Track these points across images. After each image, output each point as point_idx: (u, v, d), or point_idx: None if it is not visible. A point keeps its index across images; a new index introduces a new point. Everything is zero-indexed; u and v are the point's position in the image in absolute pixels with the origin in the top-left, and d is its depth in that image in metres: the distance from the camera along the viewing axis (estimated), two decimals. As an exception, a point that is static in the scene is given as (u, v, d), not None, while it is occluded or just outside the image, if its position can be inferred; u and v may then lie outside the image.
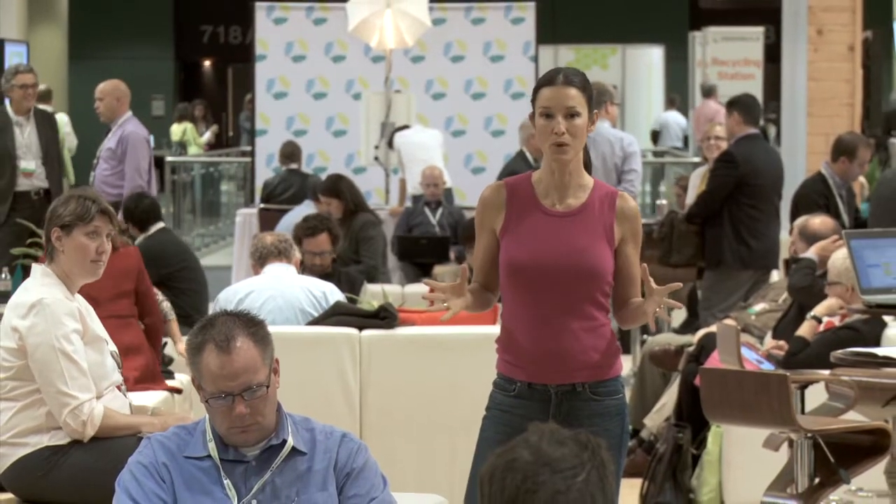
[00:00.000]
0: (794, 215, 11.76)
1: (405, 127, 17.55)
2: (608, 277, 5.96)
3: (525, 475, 3.10)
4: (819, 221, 10.50)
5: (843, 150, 13.07)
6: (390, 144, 17.39)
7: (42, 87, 24.55)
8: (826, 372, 8.02)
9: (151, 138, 14.87)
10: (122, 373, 7.39)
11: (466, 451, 5.91)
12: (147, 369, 8.87)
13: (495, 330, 6.18)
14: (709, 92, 22.78)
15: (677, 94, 29.22)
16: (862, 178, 13.94)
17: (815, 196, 12.63)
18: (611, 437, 5.82)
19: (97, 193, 7.41)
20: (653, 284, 5.87)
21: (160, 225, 12.36)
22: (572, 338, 5.92)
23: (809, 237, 9.91)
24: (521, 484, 3.10)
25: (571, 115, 5.88)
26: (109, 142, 14.49)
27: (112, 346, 7.20)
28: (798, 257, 10.17)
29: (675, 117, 28.55)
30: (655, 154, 25.96)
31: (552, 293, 5.93)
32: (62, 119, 21.56)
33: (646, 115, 28.98)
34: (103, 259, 7.11)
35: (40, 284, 7.04)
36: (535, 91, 6.01)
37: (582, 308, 5.93)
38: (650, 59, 30.39)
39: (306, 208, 13.91)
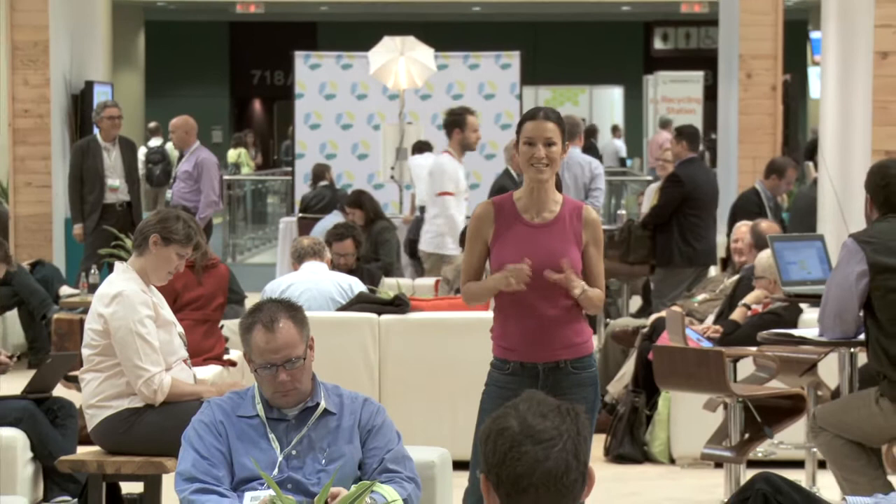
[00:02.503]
0: (732, 222, 11.73)
1: (423, 147, 17.63)
2: (578, 272, 5.94)
3: (511, 444, 3.08)
4: (766, 225, 10.46)
5: (774, 169, 13.07)
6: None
7: (152, 124, 24.69)
8: (754, 348, 8.01)
9: (217, 163, 14.89)
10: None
11: (465, 413, 5.91)
12: (214, 353, 8.88)
13: (487, 315, 6.15)
14: (665, 124, 22.71)
15: (620, 125, 29.19)
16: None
17: (750, 206, 12.61)
18: (587, 402, 5.82)
19: (198, 225, 7.41)
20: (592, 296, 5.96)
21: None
22: (554, 324, 5.92)
23: (758, 236, 9.86)
24: (507, 451, 3.08)
25: (549, 143, 5.90)
26: (185, 165, 14.47)
27: (179, 329, 7.17)
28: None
29: (614, 144, 28.57)
30: (615, 174, 25.89)
31: (533, 290, 5.90)
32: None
33: (609, 142, 28.93)
34: (173, 274, 7.14)
35: (122, 279, 7.01)
36: (520, 124, 6.03)
37: (559, 299, 5.92)
38: (612, 97, 30.30)
39: (335, 217, 13.83)
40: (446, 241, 12.79)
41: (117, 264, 7.35)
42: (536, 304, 5.92)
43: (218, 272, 9.00)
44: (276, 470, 5.00)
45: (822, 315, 6.97)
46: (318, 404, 5.16)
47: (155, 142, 23.67)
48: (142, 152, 22.80)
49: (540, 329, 5.94)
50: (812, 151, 16.79)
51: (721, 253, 12.20)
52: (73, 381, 7.45)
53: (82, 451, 7.21)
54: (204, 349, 8.36)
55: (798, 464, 8.06)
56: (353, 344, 9.15)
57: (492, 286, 5.99)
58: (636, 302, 13.06)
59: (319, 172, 18.16)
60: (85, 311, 7.61)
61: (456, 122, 12.05)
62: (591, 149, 27.13)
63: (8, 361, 7.91)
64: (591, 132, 28.35)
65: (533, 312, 5.92)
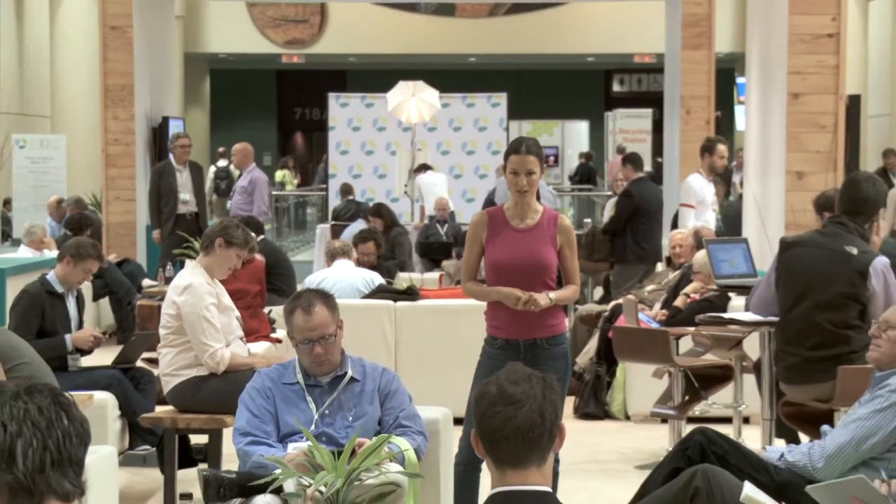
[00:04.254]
0: (674, 228, 11.71)
1: (425, 167, 17.66)
2: (554, 270, 5.94)
3: (489, 405, 3.13)
4: (706, 230, 10.46)
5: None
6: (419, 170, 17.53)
7: (221, 149, 24.75)
8: (692, 329, 7.99)
9: (268, 180, 14.97)
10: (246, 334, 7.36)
11: (463, 379, 5.87)
12: (262, 333, 8.85)
13: (481, 303, 6.13)
14: (622, 151, 22.73)
15: (588, 151, 29.19)
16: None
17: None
18: (559, 372, 5.78)
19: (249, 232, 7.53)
20: (566, 294, 5.98)
21: (262, 236, 12.31)
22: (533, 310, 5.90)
23: (698, 239, 9.84)
24: (486, 410, 3.12)
25: (529, 173, 5.88)
26: (242, 182, 14.59)
27: (236, 312, 7.16)
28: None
29: (588, 166, 28.62)
30: (582, 190, 25.88)
31: (519, 281, 5.89)
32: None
33: (576, 165, 28.92)
34: (232, 270, 7.16)
35: (191, 274, 7.02)
36: (507, 154, 6.01)
37: (538, 289, 5.88)
38: (580, 129, 30.21)
39: (360, 224, 13.82)
40: None
41: (188, 262, 7.35)
42: None
43: (253, 267, 8.97)
44: (313, 426, 5.00)
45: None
46: (346, 373, 5.17)
47: (222, 163, 23.71)
48: (211, 171, 22.87)
49: (523, 314, 5.91)
50: (735, 173, 16.74)
51: (666, 252, 12.20)
52: (154, 363, 7.44)
53: (159, 410, 7.20)
54: (251, 329, 8.34)
55: (727, 420, 8.04)
56: (375, 325, 9.14)
57: (494, 296, 5.98)
58: (599, 292, 13.06)
59: (347, 189, 18.23)
60: (162, 299, 7.58)
61: (708, 147, 11.82)
62: (590, 170, 27.23)
63: (101, 338, 7.90)
64: (589, 156, 28.41)
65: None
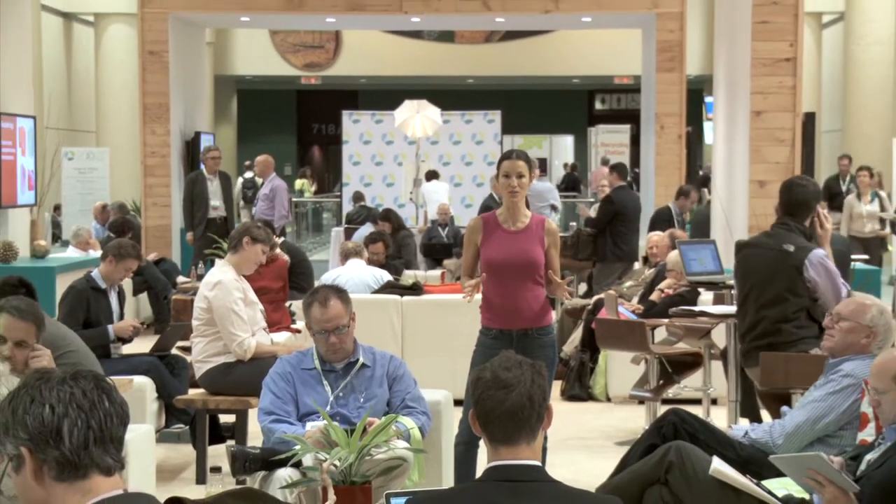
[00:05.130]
0: (651, 230, 11.72)
1: (433, 174, 17.80)
2: (542, 267, 5.92)
3: (484, 388, 3.14)
4: (680, 233, 10.46)
5: (682, 193, 13.06)
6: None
7: (247, 162, 24.75)
8: (666, 320, 7.99)
9: (287, 188, 14.98)
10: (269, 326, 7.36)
11: (462, 365, 5.85)
12: (283, 324, 8.85)
13: (477, 297, 6.12)
14: (604, 162, 22.71)
15: (575, 163, 29.16)
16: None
17: (663, 218, 12.60)
18: (547, 359, 5.77)
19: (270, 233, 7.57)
20: (557, 280, 5.88)
21: (283, 238, 12.32)
22: (523, 302, 5.87)
23: (673, 239, 9.84)
24: (481, 394, 3.13)
25: (520, 176, 5.85)
26: (264, 190, 14.62)
27: (260, 306, 7.17)
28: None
29: (573, 176, 28.58)
30: (568, 197, 25.89)
31: (511, 276, 5.88)
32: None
33: (562, 174, 28.88)
34: (257, 265, 7.17)
35: (220, 271, 7.03)
36: (500, 162, 5.99)
37: (527, 284, 5.88)
38: (565, 143, 30.22)
39: (369, 227, 13.82)
40: None
41: (217, 261, 7.36)
42: (513, 291, 5.90)
43: (277, 265, 8.97)
44: (329, 407, 5.00)
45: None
46: (358, 360, 5.16)
47: (248, 174, 23.71)
48: (239, 181, 22.86)
49: (514, 307, 5.90)
50: (706, 181, 16.76)
51: (643, 252, 12.19)
52: (187, 351, 7.44)
53: (192, 392, 7.21)
54: (274, 321, 8.34)
55: (697, 401, 8.04)
56: (383, 317, 9.13)
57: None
58: (583, 287, 13.04)
59: (359, 196, 18.25)
60: (194, 294, 7.57)
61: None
62: (574, 179, 27.19)
63: (140, 328, 7.89)
64: (574, 167, 28.37)
65: (510, 296, 5.89)
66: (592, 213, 13.66)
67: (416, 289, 9.52)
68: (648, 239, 10.39)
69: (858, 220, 12.98)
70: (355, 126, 19.97)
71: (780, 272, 6.39)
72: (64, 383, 2.36)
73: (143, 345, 8.49)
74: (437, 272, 12.42)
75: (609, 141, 25.42)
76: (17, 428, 2.35)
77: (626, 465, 4.80)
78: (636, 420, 8.55)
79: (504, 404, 3.08)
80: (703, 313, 7.50)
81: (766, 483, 4.51)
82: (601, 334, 8.30)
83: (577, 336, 9.89)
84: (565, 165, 28.74)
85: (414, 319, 9.25)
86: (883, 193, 14.27)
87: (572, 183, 26.80)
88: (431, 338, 9.10)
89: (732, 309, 7.22)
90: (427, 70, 28.01)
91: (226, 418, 7.43)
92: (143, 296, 12.56)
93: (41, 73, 20.09)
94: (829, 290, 6.29)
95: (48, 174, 15.59)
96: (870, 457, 4.32)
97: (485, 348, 5.91)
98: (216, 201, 13.82)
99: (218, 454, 7.08)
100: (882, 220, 13.97)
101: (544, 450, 5.00)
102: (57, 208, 19.81)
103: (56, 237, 19.13)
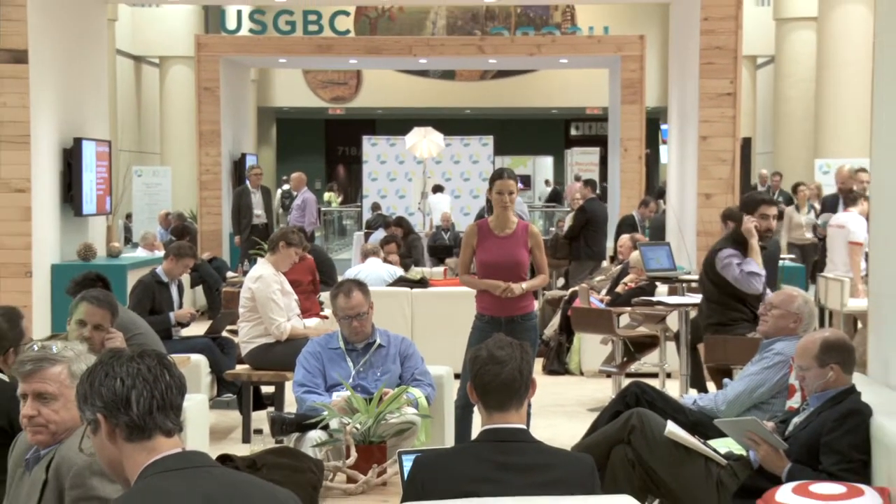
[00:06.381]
0: (617, 235, 11.70)
1: (439, 188, 17.83)
2: (526, 266, 5.93)
3: (482, 365, 3.11)
4: (640, 237, 10.44)
5: (643, 203, 13.03)
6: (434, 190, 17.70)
7: (284, 177, 24.71)
8: (629, 308, 7.97)
9: (316, 199, 14.96)
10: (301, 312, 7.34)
11: (460, 345, 5.84)
12: (313, 312, 8.83)
13: (473, 290, 6.11)
14: (579, 178, 22.72)
15: (551, 179, 29.10)
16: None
17: (627, 224, 12.57)
18: (530, 340, 5.78)
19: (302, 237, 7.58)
20: (537, 282, 5.97)
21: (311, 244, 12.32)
22: (511, 296, 5.88)
23: (635, 241, 9.82)
24: (479, 369, 3.11)
25: (510, 192, 5.85)
26: (297, 201, 14.60)
27: (295, 296, 7.15)
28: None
29: (550, 189, 28.54)
30: (549, 206, 25.84)
31: (501, 274, 5.88)
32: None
33: (543, 189, 28.90)
34: (292, 264, 7.14)
35: (262, 267, 7.02)
36: (492, 180, 5.99)
37: (515, 280, 5.87)
38: (546, 162, 30.18)
39: (384, 232, 13.82)
40: None
41: (259, 259, 7.34)
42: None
43: (305, 263, 8.94)
44: (351, 380, 4.96)
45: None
46: (375, 341, 5.12)
47: (285, 187, 23.67)
48: (278, 193, 22.85)
49: (503, 298, 5.90)
50: (662, 194, 16.80)
51: (610, 252, 12.18)
52: (234, 333, 7.43)
53: (239, 368, 7.19)
54: (305, 308, 8.33)
55: (655, 375, 8.03)
56: (396, 305, 9.12)
57: (483, 286, 5.96)
58: (561, 281, 13.02)
59: (376, 206, 18.22)
60: (241, 287, 7.56)
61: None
62: (557, 192, 27.12)
63: (196, 315, 7.88)
64: (559, 183, 28.31)
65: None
66: (568, 222, 13.65)
67: (423, 282, 9.50)
68: (621, 241, 10.38)
69: (798, 229, 12.91)
70: (373, 148, 19.95)
71: (709, 269, 6.60)
72: (132, 360, 2.35)
73: (198, 329, 8.48)
74: (440, 269, 12.40)
75: (582, 161, 25.40)
76: (94, 398, 2.34)
77: (597, 428, 4.78)
78: (604, 391, 8.53)
79: (499, 377, 3.07)
80: (659, 303, 7.49)
81: (712, 442, 4.50)
82: (576, 320, 8.29)
83: (555, 321, 9.88)
84: (546, 182, 28.72)
85: (421, 308, 9.23)
86: (818, 205, 14.18)
87: (555, 195, 26.80)
88: (435, 322, 9.08)
89: (685, 299, 7.22)
90: (432, 102, 27.99)
91: (266, 389, 7.42)
92: (199, 288, 12.55)
93: (116, 105, 20.09)
94: (745, 282, 6.44)
95: (121, 188, 15.58)
96: (796, 420, 4.31)
97: (479, 331, 5.91)
98: (258, 210, 13.81)
99: (260, 419, 7.09)
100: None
101: (529, 415, 4.97)
102: (128, 216, 19.78)
103: (127, 240, 19.08)
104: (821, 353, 4.17)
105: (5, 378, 3.85)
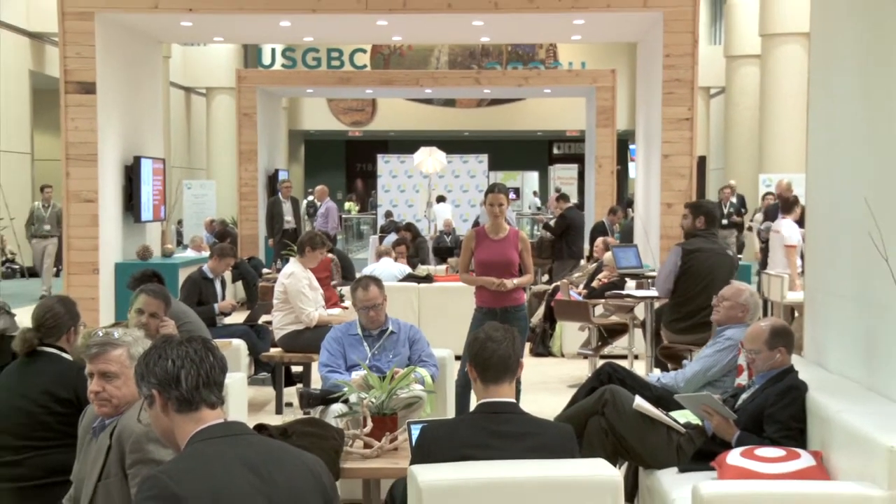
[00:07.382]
0: (592, 238, 11.67)
1: (442, 198, 17.80)
2: (516, 266, 5.91)
3: (481, 345, 3.11)
4: (611, 240, 10.40)
5: (612, 211, 12.99)
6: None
7: (310, 189, 24.60)
8: (603, 300, 7.94)
9: (337, 208, 14.94)
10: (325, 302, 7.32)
11: (461, 332, 5.81)
12: (334, 302, 8.82)
13: (472, 286, 6.10)
14: (558, 190, 22.72)
15: (538, 191, 29.06)
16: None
17: (599, 229, 12.55)
18: (520, 327, 5.75)
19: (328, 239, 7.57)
20: (524, 280, 5.89)
21: (335, 245, 12.28)
22: (504, 290, 5.87)
23: (607, 244, 9.79)
24: (479, 348, 3.10)
25: (500, 204, 5.84)
26: (321, 210, 14.60)
27: (320, 290, 7.14)
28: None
29: (535, 199, 28.41)
30: (535, 214, 25.82)
31: (495, 272, 5.87)
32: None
33: (531, 200, 28.84)
34: (318, 263, 7.14)
35: (292, 266, 7.05)
36: (487, 192, 5.97)
37: (507, 277, 5.86)
38: (533, 177, 30.18)
39: (395, 235, 13.80)
40: None
41: (291, 259, 7.33)
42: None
43: (324, 261, 8.93)
44: (367, 361, 4.96)
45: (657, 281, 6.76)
46: (388, 328, 5.10)
47: (311, 198, 23.59)
48: (304, 203, 22.82)
49: (497, 292, 5.89)
50: (630, 203, 16.75)
51: (587, 253, 12.15)
52: (269, 322, 7.42)
53: (273, 351, 7.18)
54: (325, 299, 8.32)
55: (624, 357, 8.01)
56: (406, 298, 9.09)
57: (479, 283, 5.94)
58: (545, 278, 12.99)
59: (388, 214, 18.22)
60: (275, 283, 7.55)
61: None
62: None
63: (236, 306, 7.88)
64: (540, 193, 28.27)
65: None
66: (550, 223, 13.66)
67: (428, 279, 9.49)
68: (596, 243, 10.36)
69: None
70: (386, 165, 19.94)
71: (725, 268, 6.38)
72: (181, 344, 2.36)
73: (238, 318, 8.47)
74: (443, 267, 12.37)
75: (563, 175, 25.36)
76: (150, 376, 2.35)
77: (575, 402, 4.77)
78: (582, 370, 8.52)
79: (497, 353, 3.07)
80: (628, 296, 7.47)
81: (673, 413, 4.49)
82: (558, 310, 8.27)
83: (541, 311, 9.83)
84: (535, 193, 28.77)
85: (427, 300, 9.21)
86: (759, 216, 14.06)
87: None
88: (439, 312, 9.05)
89: (650, 292, 7.19)
90: (436, 126, 27.99)
91: (296, 368, 7.41)
92: (239, 283, 12.54)
93: (169, 128, 20.10)
94: (658, 274, 6.53)
95: (173, 199, 15.57)
96: (744, 395, 4.30)
97: (478, 321, 5.90)
98: (289, 217, 13.81)
99: (290, 394, 7.09)
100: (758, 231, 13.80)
101: (518, 391, 4.97)
102: (179, 222, 19.81)
103: (178, 242, 19.11)
104: (770, 338, 4.17)
105: (69, 357, 3.85)
